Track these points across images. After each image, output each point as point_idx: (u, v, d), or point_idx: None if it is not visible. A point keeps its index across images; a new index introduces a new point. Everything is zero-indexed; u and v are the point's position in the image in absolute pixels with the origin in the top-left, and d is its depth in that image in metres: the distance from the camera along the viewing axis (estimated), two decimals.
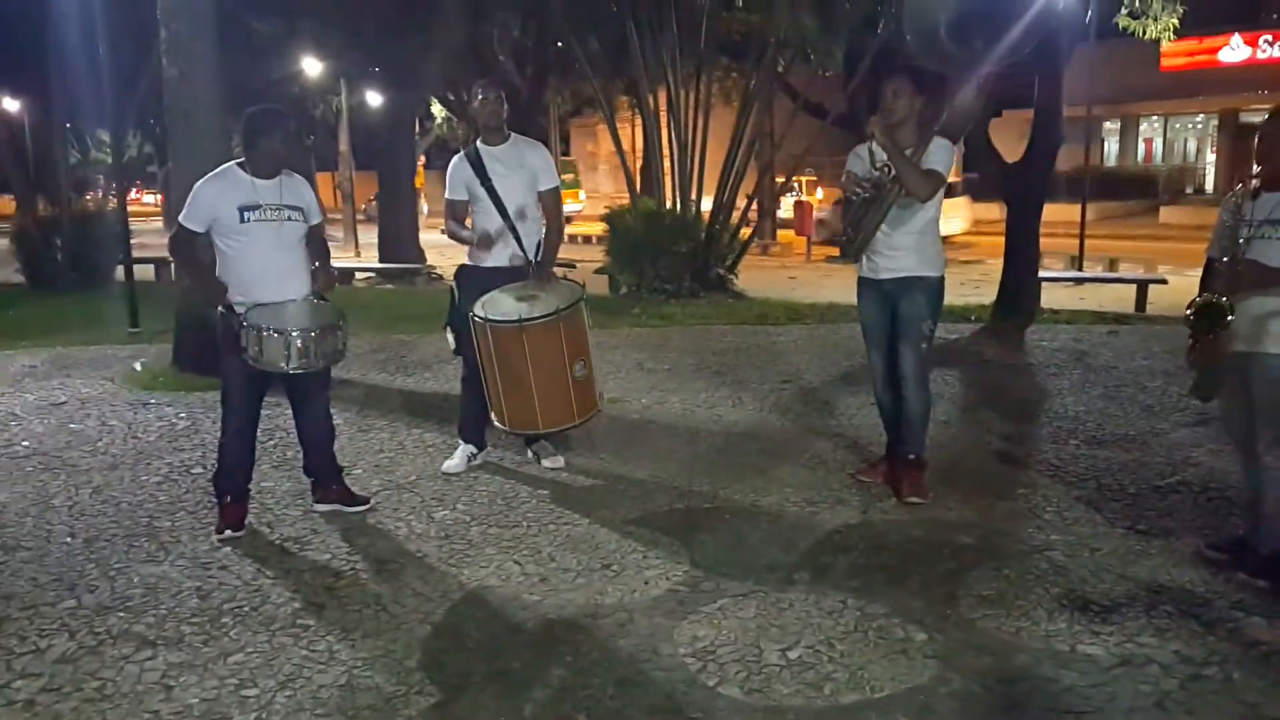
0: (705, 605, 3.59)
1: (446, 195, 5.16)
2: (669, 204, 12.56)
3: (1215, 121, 30.14)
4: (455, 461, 5.23)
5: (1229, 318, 3.54)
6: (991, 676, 3.11)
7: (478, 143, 5.06)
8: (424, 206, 26.58)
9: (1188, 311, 3.66)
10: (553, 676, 3.15)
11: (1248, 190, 3.70)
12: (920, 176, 4.31)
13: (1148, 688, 3.04)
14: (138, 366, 8.09)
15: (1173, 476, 4.96)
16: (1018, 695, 3.02)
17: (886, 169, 4.38)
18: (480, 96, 5.05)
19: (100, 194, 18.81)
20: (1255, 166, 3.72)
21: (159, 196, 35.10)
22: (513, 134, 5.09)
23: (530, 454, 5.31)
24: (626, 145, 14.32)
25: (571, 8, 12.18)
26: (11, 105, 17.68)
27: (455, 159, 5.12)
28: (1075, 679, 3.09)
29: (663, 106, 12.86)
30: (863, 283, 4.68)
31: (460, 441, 5.29)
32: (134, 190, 41.64)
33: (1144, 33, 11.71)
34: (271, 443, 5.60)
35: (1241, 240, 3.63)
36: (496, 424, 5.00)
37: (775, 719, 2.91)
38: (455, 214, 5.11)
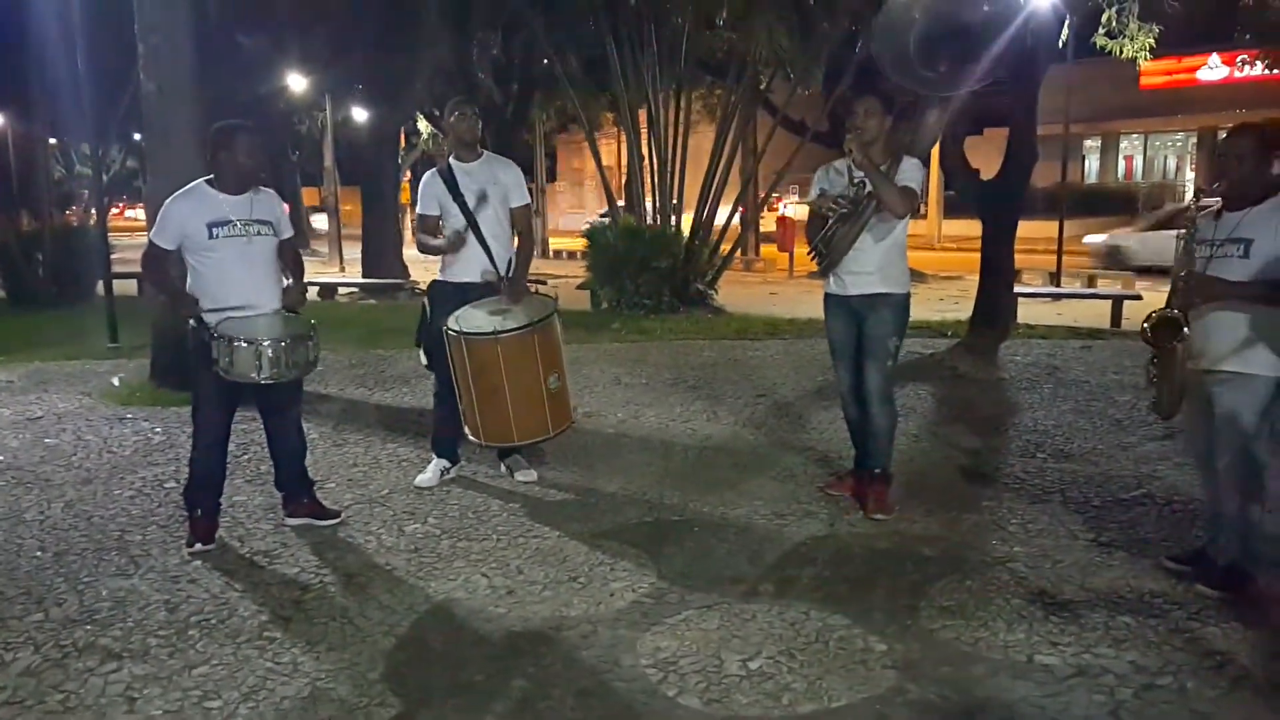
0: (669, 617, 3.61)
1: (418, 210, 5.22)
2: (649, 219, 12.62)
3: (1194, 139, 30.46)
4: (428, 476, 5.25)
5: (1184, 330, 3.59)
6: (948, 686, 3.14)
7: (451, 159, 5.11)
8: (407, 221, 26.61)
9: (1144, 325, 3.71)
10: (514, 688, 3.17)
11: (1210, 210, 3.77)
12: (898, 193, 4.37)
13: (1102, 697, 3.07)
14: (115, 381, 8.08)
15: (1137, 490, 5.01)
16: (973, 705, 3.05)
17: (862, 185, 4.44)
18: (455, 113, 5.10)
19: (83, 209, 18.77)
20: (1214, 184, 3.78)
21: (145, 210, 35.08)
22: (485, 151, 5.15)
23: (504, 468, 5.33)
24: (611, 161, 14.40)
25: (552, 26, 12.27)
26: None
27: (427, 175, 5.17)
28: (1031, 689, 3.12)
29: (644, 123, 12.95)
30: (830, 299, 4.72)
31: (434, 456, 5.31)
32: (120, 205, 41.61)
33: (1121, 52, 11.86)
34: (245, 457, 5.61)
35: (1201, 258, 3.69)
36: (471, 438, 5.02)
37: None
38: (426, 228, 5.15)
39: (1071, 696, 3.08)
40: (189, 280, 4.32)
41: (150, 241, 4.32)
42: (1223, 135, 3.85)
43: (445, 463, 5.27)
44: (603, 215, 17.95)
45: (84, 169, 23.25)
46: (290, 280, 4.52)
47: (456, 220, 5.00)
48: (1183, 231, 3.77)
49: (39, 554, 4.36)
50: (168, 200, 4.32)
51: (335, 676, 3.25)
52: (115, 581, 4.04)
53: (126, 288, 12.68)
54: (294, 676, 3.26)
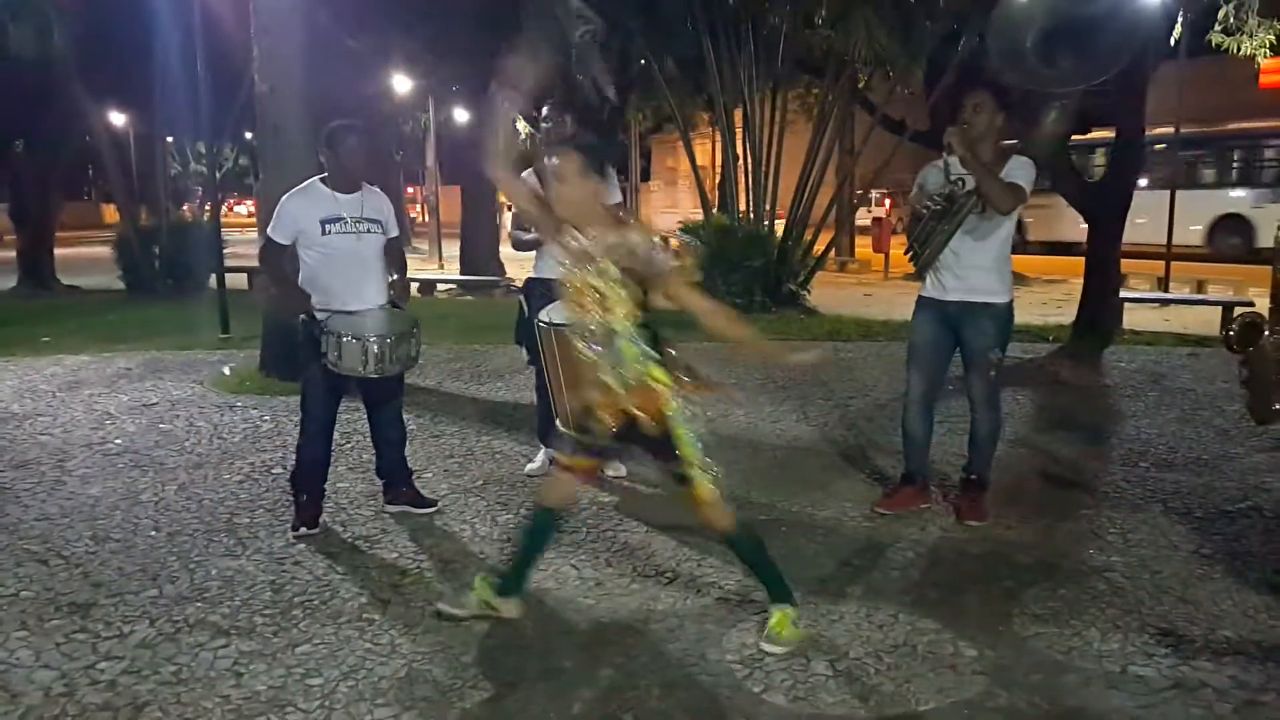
0: (755, 615, 3.62)
1: (513, 209, 5.34)
2: (743, 219, 12.59)
3: None
4: (537, 464, 5.40)
5: (1265, 333, 3.48)
6: (1039, 694, 3.10)
7: (547, 159, 5.19)
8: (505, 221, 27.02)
9: (1227, 331, 3.60)
10: (602, 677, 3.23)
11: None
12: (1002, 187, 4.20)
13: (1200, 711, 3.00)
14: (226, 370, 8.41)
15: (1243, 501, 4.85)
16: (1065, 713, 3.01)
17: (961, 182, 4.32)
18: (546, 115, 5.22)
19: (197, 205, 19.50)
20: None
21: (256, 206, 36.34)
22: None
23: None
24: (705, 161, 14.41)
25: (651, 27, 12.32)
26: (117, 119, 18.52)
27: (523, 174, 5.27)
28: (1125, 700, 3.07)
29: (739, 123, 12.92)
30: (924, 302, 4.58)
31: (540, 446, 5.44)
32: (231, 201, 43.12)
33: (1239, 49, 11.43)
34: (348, 445, 5.79)
35: None
36: (560, 427, 5.09)
37: None
38: (521, 225, 5.27)
39: (1167, 709, 3.01)
40: (301, 274, 4.49)
41: (267, 236, 4.51)
42: None
43: (554, 451, 5.38)
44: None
45: (198, 166, 24.20)
46: (395, 276, 4.67)
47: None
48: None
49: (154, 533, 4.58)
50: (284, 197, 4.49)
51: (431, 658, 3.36)
52: (224, 561, 4.23)
53: (237, 281, 13.21)
54: (391, 657, 3.37)
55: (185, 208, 17.33)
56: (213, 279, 11.67)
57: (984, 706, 3.04)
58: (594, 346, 3.23)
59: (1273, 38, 11.25)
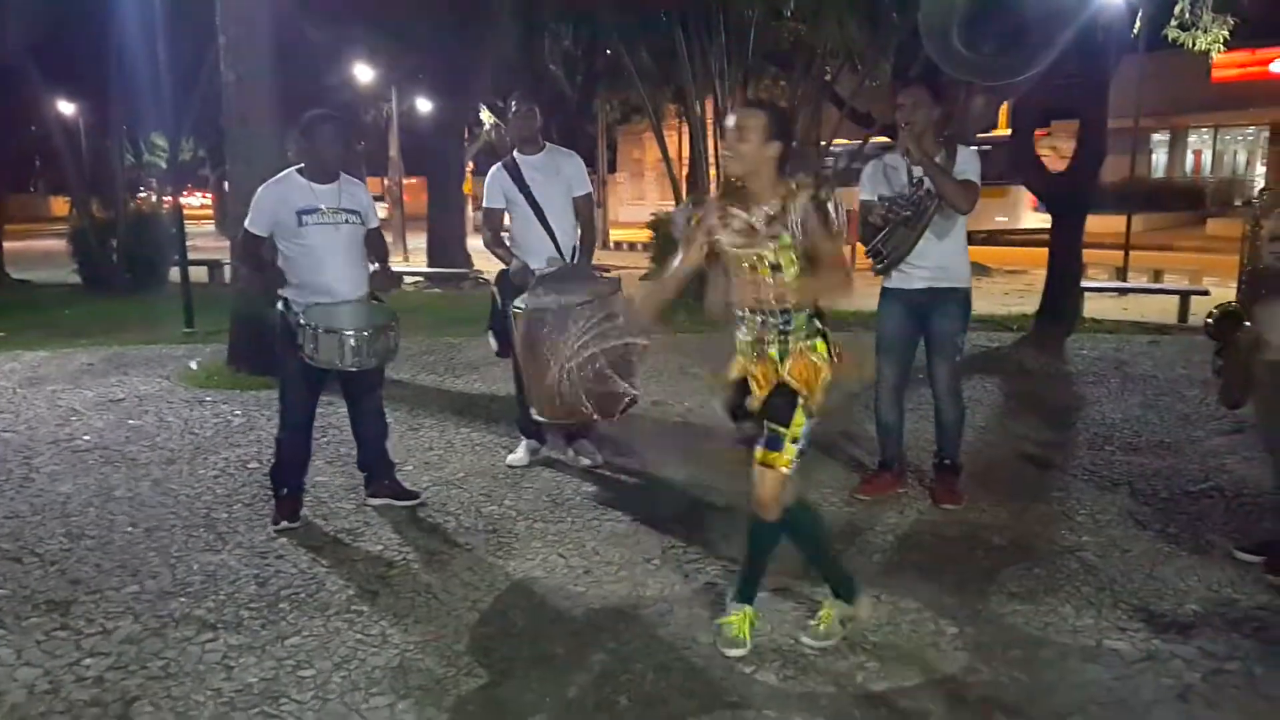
0: None
1: (485, 204, 5.35)
2: None
3: (1266, 133, 29.70)
4: (519, 455, 5.42)
5: (1245, 323, 3.60)
6: (1019, 668, 3.21)
7: (515, 153, 5.25)
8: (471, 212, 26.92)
9: (1207, 319, 3.72)
10: (595, 662, 3.28)
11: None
12: (959, 188, 4.31)
13: (1170, 681, 3.12)
14: (193, 365, 8.32)
15: (1205, 482, 5.01)
16: (1044, 686, 3.11)
17: (921, 183, 4.39)
18: (514, 109, 5.26)
19: (151, 196, 19.15)
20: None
21: (210, 198, 35.77)
22: (548, 144, 5.31)
23: (571, 453, 5.45)
24: (673, 153, 14.44)
25: (621, 17, 12.32)
26: (68, 108, 18.15)
27: (494, 168, 5.32)
28: (1100, 672, 3.18)
29: (709, 114, 12.96)
30: (890, 293, 4.66)
31: (522, 437, 5.46)
32: (185, 192, 42.44)
33: (1194, 44, 11.65)
34: (325, 439, 5.77)
35: (1273, 252, 3.68)
36: (534, 414, 5.08)
37: (809, 705, 3.02)
38: (492, 222, 5.27)
39: (1140, 680, 3.13)
40: (280, 266, 4.48)
41: (244, 229, 4.48)
42: None
43: (534, 443, 5.43)
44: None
45: (152, 157, 23.79)
46: (377, 266, 4.65)
47: (524, 211, 5.12)
48: (1248, 227, 3.77)
49: (130, 529, 4.55)
50: (260, 188, 4.47)
51: (423, 648, 3.39)
52: (205, 556, 4.22)
53: (196, 274, 13.02)
54: (383, 647, 3.40)
55: (139, 199, 16.93)
56: (174, 272, 11.50)
57: (966, 682, 3.13)
58: (765, 318, 3.22)
59: (1226, 33, 11.50)
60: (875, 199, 4.56)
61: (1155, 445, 5.68)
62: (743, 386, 3.32)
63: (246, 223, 4.48)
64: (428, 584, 3.91)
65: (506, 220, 5.24)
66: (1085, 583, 3.83)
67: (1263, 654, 3.27)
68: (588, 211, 5.37)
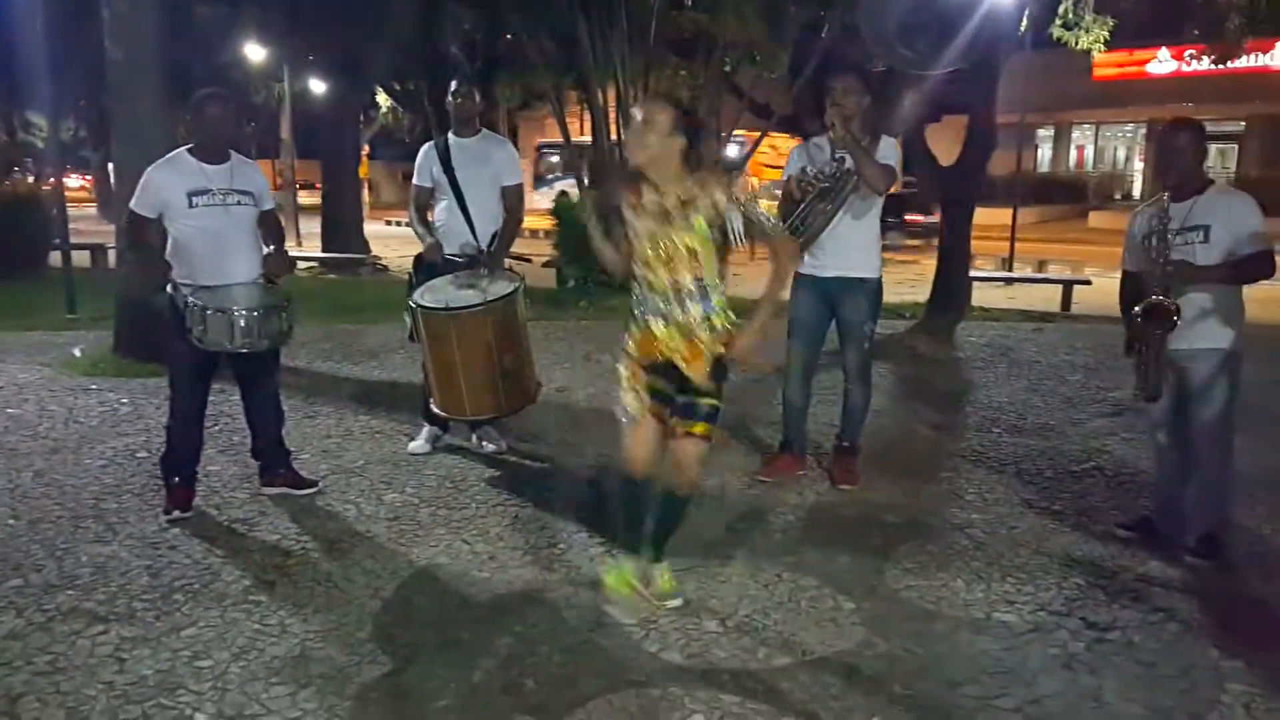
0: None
1: (414, 181, 5.31)
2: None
3: (1144, 130, 31.11)
4: (420, 443, 5.35)
5: (1176, 319, 3.73)
6: (914, 640, 3.32)
7: (449, 134, 5.19)
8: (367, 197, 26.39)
9: (1135, 313, 3.82)
10: (501, 646, 3.28)
11: (1155, 202, 3.94)
12: (879, 170, 4.43)
13: (1056, 650, 3.27)
14: (77, 352, 7.99)
15: (1087, 462, 5.25)
16: (937, 657, 3.23)
17: (842, 161, 4.50)
18: (454, 90, 5.21)
19: (27, 176, 18.31)
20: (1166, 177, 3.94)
21: (89, 181, 34.29)
22: (483, 129, 5.25)
23: (474, 439, 5.41)
24: (575, 139, 14.40)
25: (523, 2, 12.24)
26: None
27: (425, 146, 5.28)
28: (990, 643, 3.32)
29: (611, 102, 12.97)
30: (802, 279, 4.73)
31: (425, 424, 5.39)
32: (65, 174, 40.56)
33: (1076, 43, 12.13)
34: (217, 428, 5.61)
35: (1158, 243, 3.82)
36: (434, 408, 5.05)
37: (712, 680, 3.07)
38: (418, 199, 5.24)
39: (1028, 650, 3.27)
40: (168, 248, 4.33)
41: (131, 210, 4.33)
42: (1162, 130, 4.03)
43: (437, 430, 5.36)
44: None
45: (28, 137, 22.74)
46: (270, 249, 4.53)
47: (446, 194, 5.09)
48: (1153, 222, 3.90)
49: (11, 522, 4.36)
50: (149, 169, 4.32)
51: (324, 637, 3.33)
52: (94, 548, 4.07)
53: (79, 258, 12.49)
54: (283, 637, 3.34)
55: (15, 176, 16.15)
56: (55, 257, 11.02)
57: (864, 655, 3.23)
58: (686, 305, 3.30)
59: (1106, 33, 12.01)
60: (796, 172, 4.67)
61: (1040, 427, 5.93)
62: (659, 368, 3.40)
63: (133, 204, 4.32)
64: (328, 573, 3.85)
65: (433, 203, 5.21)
66: (975, 558, 3.99)
67: (1140, 623, 3.46)
68: (515, 202, 5.26)
